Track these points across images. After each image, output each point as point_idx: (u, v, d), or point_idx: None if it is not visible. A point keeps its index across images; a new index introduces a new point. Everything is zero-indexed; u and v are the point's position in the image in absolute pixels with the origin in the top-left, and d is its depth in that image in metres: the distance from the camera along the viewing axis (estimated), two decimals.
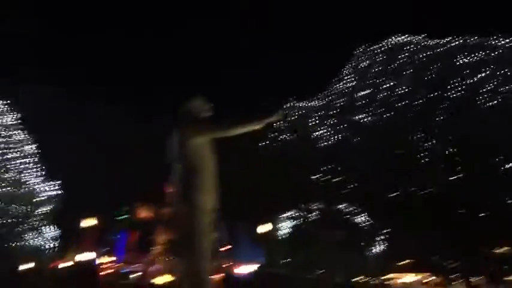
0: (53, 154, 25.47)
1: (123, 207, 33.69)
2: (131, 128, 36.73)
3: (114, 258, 32.21)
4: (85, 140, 32.20)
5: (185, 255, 7.36)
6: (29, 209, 22.45)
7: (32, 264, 23.47)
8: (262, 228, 25.01)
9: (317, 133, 28.43)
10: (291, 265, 23.60)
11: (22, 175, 22.44)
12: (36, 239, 23.25)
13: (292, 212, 26.10)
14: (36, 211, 23.04)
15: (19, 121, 23.10)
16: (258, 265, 22.62)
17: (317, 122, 29.08)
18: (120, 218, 34.47)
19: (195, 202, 7.40)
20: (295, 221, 26.10)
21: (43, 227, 23.69)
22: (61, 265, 28.23)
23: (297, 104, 29.01)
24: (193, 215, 7.35)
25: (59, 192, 23.93)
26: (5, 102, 22.77)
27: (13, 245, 21.81)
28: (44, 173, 23.75)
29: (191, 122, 7.48)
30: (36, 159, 23.51)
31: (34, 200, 22.76)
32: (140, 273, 33.75)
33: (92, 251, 31.50)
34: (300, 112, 29.22)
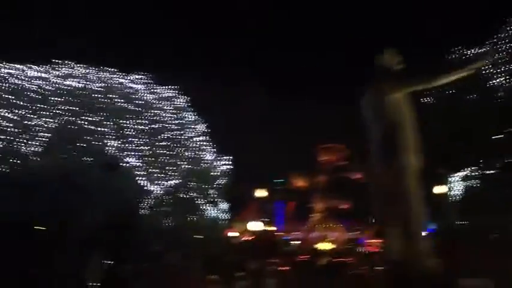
0: (222, 132, 26.66)
1: (280, 178, 36.46)
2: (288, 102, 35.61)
3: (274, 228, 33.78)
4: (247, 117, 33.00)
5: (395, 222, 6.39)
6: (205, 184, 23.92)
7: (207, 234, 24.05)
8: (438, 189, 23.05)
9: (495, 81, 24.00)
10: (466, 228, 21.37)
11: (198, 152, 24.04)
12: (211, 211, 24.66)
13: (468, 171, 23.61)
14: (212, 185, 24.37)
15: (188, 104, 24.72)
16: (433, 227, 20.66)
17: (493, 69, 24.38)
18: (277, 188, 35.80)
19: (401, 162, 6.46)
20: (471, 181, 23.59)
21: (217, 200, 24.90)
22: (229, 234, 28.56)
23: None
24: (400, 176, 6.42)
25: (230, 167, 25.04)
26: (174, 86, 24.44)
27: (193, 217, 23.56)
28: (215, 149, 24.96)
29: (387, 76, 6.76)
30: (208, 138, 24.89)
31: (210, 175, 24.19)
32: (300, 241, 33.11)
33: (257, 221, 30.93)
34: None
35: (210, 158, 24.16)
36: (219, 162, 24.50)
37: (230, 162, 24.55)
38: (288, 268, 29.90)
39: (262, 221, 31.74)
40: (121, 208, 21.19)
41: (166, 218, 22.86)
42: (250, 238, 31.56)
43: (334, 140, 40.52)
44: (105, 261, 23.42)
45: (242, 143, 30.33)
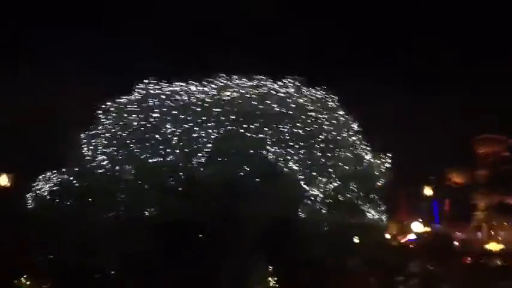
0: (376, 130, 26.03)
1: (435, 174, 34.07)
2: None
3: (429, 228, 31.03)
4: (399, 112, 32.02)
5: None
6: (364, 185, 23.23)
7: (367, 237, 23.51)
8: None
9: None
10: None
11: (355, 152, 23.30)
12: (371, 213, 23.47)
13: None
14: (371, 186, 23.60)
15: (338, 104, 23.97)
16: None
17: None
18: (433, 185, 33.55)
19: None
20: None
21: (376, 201, 23.85)
22: (388, 236, 28.04)
23: None
24: None
25: (388, 165, 23.94)
26: (324, 87, 23.74)
27: (353, 220, 22.66)
28: (371, 148, 24.03)
29: None
30: (363, 136, 24.06)
31: (368, 175, 23.40)
32: (465, 241, 30.45)
33: (418, 221, 29.98)
34: None
35: (367, 157, 23.22)
36: (376, 161, 23.46)
37: (388, 161, 23.42)
38: (456, 271, 28.28)
39: (422, 221, 31.09)
40: (283, 213, 21.68)
41: (327, 222, 22.94)
42: (413, 240, 31.08)
43: (493, 130, 37.56)
44: (270, 267, 24.24)
45: (394, 140, 28.56)
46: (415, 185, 33.14)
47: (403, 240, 31.98)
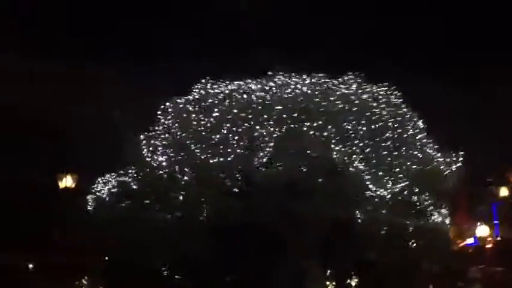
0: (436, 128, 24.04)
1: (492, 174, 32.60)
2: None
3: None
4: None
5: None
6: (431, 186, 22.14)
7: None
8: None
9: None
10: None
11: (421, 150, 22.40)
12: (435, 215, 22.61)
13: None
14: (439, 187, 22.45)
15: (401, 100, 23.12)
16: None
17: None
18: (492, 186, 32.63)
19: None
20: None
21: (441, 203, 22.85)
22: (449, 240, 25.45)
23: None
24: None
25: (459, 164, 22.66)
26: (387, 83, 22.98)
27: (415, 222, 21.81)
28: (438, 147, 22.95)
29: None
30: (428, 134, 23.10)
31: (437, 175, 22.24)
32: None
33: (483, 225, 28.88)
34: None
35: (435, 156, 22.31)
36: (447, 159, 22.36)
37: (460, 159, 22.12)
38: None
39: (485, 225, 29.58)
40: (346, 214, 21.08)
41: (391, 223, 22.10)
42: (472, 244, 30.05)
43: None
44: (330, 271, 23.61)
45: (453, 139, 25.81)
46: (473, 187, 30.95)
47: (461, 245, 30.77)
